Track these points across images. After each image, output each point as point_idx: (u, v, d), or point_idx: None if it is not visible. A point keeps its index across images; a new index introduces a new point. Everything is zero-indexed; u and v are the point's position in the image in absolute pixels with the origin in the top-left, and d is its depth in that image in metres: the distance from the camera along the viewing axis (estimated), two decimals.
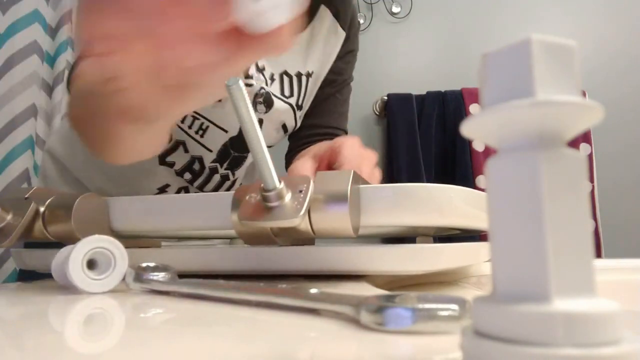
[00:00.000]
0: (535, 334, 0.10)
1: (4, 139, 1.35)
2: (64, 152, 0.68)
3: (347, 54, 0.74)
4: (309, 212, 0.28)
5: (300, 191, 0.28)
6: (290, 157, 0.75)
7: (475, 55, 1.90)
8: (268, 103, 0.64)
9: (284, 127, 0.69)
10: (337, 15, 0.70)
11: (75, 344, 0.17)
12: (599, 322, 0.10)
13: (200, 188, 0.67)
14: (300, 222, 0.27)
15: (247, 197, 0.29)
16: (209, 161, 0.65)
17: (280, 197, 0.28)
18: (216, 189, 0.69)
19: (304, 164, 0.49)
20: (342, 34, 0.71)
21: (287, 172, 0.44)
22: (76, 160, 0.67)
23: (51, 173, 0.69)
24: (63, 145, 0.69)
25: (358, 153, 0.50)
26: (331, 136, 0.74)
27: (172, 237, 0.52)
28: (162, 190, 0.65)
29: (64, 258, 0.29)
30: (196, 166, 0.64)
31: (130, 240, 0.36)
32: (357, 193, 0.29)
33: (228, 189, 0.70)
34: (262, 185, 0.28)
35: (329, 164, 0.51)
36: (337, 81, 0.74)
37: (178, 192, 0.67)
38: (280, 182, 0.28)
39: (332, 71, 0.73)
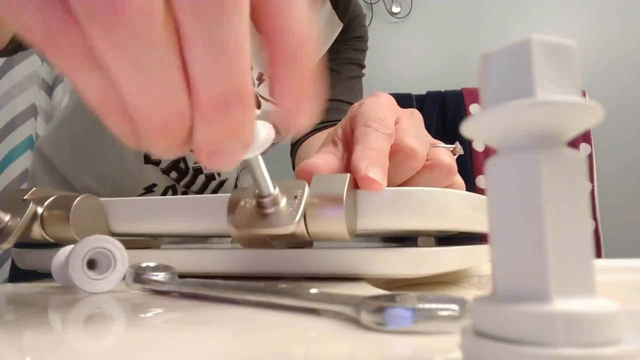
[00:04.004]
0: (535, 334, 0.10)
1: (4, 139, 1.35)
2: (51, 150, 0.68)
3: (352, 39, 0.72)
4: (304, 216, 0.28)
5: (295, 197, 0.28)
6: (298, 145, 0.72)
7: (475, 55, 1.91)
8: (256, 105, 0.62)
9: (275, 127, 0.67)
10: (336, 6, 0.69)
11: (75, 344, 0.17)
12: (599, 322, 0.10)
13: (187, 187, 0.67)
14: (295, 228, 0.27)
15: (242, 203, 0.29)
16: (193, 161, 0.64)
17: (275, 203, 0.27)
18: (202, 188, 0.68)
19: (322, 157, 0.34)
20: (339, 26, 0.70)
21: (300, 168, 0.32)
22: (63, 158, 0.67)
23: (39, 172, 0.69)
24: (50, 142, 0.69)
25: (384, 107, 0.35)
26: (337, 111, 0.70)
27: (173, 236, 0.52)
28: (149, 190, 0.65)
29: (64, 258, 0.29)
30: (182, 165, 0.64)
31: (130, 240, 0.36)
32: (354, 196, 0.29)
33: (215, 190, 0.70)
34: (256, 191, 0.27)
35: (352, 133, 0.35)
36: (332, 59, 0.71)
37: (165, 191, 0.66)
38: (275, 187, 0.27)
39: (327, 53, 0.70)
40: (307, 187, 0.28)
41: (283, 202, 0.28)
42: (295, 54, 0.17)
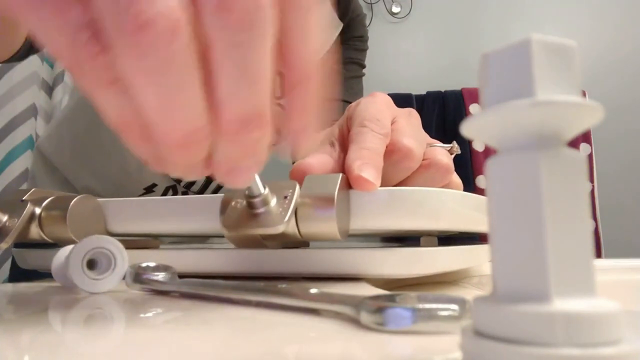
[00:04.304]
0: (535, 334, 0.10)
1: (4, 139, 1.35)
2: (51, 150, 0.68)
3: (352, 39, 0.73)
4: (295, 216, 0.28)
5: (286, 197, 0.28)
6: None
7: (475, 55, 1.91)
8: None
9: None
10: (336, 5, 0.69)
11: (75, 344, 0.17)
12: (599, 322, 0.10)
13: (187, 187, 0.67)
14: (284, 228, 0.27)
15: (233, 203, 0.29)
16: None
17: (265, 203, 0.27)
18: (203, 189, 0.68)
19: (316, 157, 0.33)
20: (339, 25, 0.70)
21: (294, 168, 0.32)
22: (63, 158, 0.67)
23: (39, 172, 0.69)
24: (51, 142, 0.69)
25: (381, 107, 0.35)
26: (338, 111, 0.71)
27: (171, 236, 0.52)
28: (149, 190, 0.65)
29: (64, 258, 0.29)
30: None
31: (130, 240, 0.36)
32: (347, 197, 0.29)
33: (216, 190, 0.70)
34: (246, 191, 0.27)
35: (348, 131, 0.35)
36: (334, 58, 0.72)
37: (165, 191, 0.66)
38: (265, 187, 0.27)
39: (327, 52, 0.71)
40: (297, 188, 0.28)
41: (273, 202, 0.28)
42: (304, 83, 0.18)
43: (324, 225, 0.28)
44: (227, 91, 0.16)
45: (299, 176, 0.31)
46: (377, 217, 0.29)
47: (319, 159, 0.33)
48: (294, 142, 0.20)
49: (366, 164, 0.29)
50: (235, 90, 0.16)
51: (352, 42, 0.73)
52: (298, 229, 0.29)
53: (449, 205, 0.30)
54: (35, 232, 0.34)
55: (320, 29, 0.18)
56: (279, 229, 0.27)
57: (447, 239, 0.44)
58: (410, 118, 0.36)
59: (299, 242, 0.32)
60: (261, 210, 0.27)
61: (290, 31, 0.17)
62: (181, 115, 0.16)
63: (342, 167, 0.33)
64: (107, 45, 0.15)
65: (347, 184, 0.29)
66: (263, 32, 0.15)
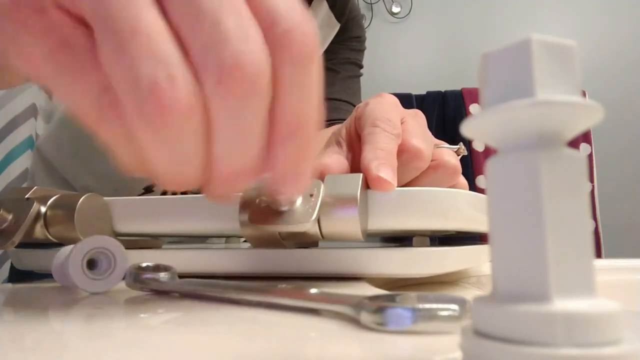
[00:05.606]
0: (535, 334, 0.10)
1: (4, 139, 1.35)
2: (51, 150, 0.68)
3: (349, 39, 0.73)
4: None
5: (311, 195, 0.28)
6: None
7: (475, 55, 1.91)
8: None
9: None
10: (333, 7, 0.69)
11: (75, 344, 0.17)
12: (599, 322, 0.10)
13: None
14: (311, 227, 0.27)
15: (257, 201, 0.29)
16: None
17: (291, 201, 0.28)
18: None
19: (331, 157, 0.34)
20: (336, 26, 0.70)
21: (314, 167, 0.32)
22: (63, 158, 0.67)
23: (39, 173, 0.69)
24: (50, 142, 0.69)
25: (390, 108, 0.35)
26: (335, 110, 0.71)
27: (177, 236, 0.52)
28: (148, 189, 0.65)
29: (64, 258, 0.29)
30: None
31: (131, 240, 0.36)
32: (365, 197, 0.29)
33: None
34: None
35: (357, 134, 0.36)
36: (330, 58, 0.72)
37: (165, 191, 0.66)
38: None
39: (324, 53, 0.71)
40: (322, 186, 0.28)
41: (299, 200, 0.28)
42: (293, 137, 0.19)
43: (347, 225, 0.28)
44: (223, 149, 0.18)
45: (316, 176, 0.31)
46: (389, 217, 0.29)
47: (335, 159, 0.33)
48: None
49: (383, 164, 0.29)
50: (229, 149, 0.18)
51: (349, 42, 0.73)
52: (320, 228, 0.29)
53: (462, 206, 0.30)
54: (40, 231, 0.33)
55: (316, 85, 0.18)
56: (306, 226, 0.27)
57: (446, 239, 0.44)
58: (417, 118, 0.36)
59: (310, 242, 0.32)
60: (286, 207, 0.28)
61: (284, 88, 0.17)
62: (183, 169, 0.18)
63: (353, 167, 0.33)
64: (124, 110, 0.16)
65: (365, 184, 0.29)
66: (259, 100, 0.17)
